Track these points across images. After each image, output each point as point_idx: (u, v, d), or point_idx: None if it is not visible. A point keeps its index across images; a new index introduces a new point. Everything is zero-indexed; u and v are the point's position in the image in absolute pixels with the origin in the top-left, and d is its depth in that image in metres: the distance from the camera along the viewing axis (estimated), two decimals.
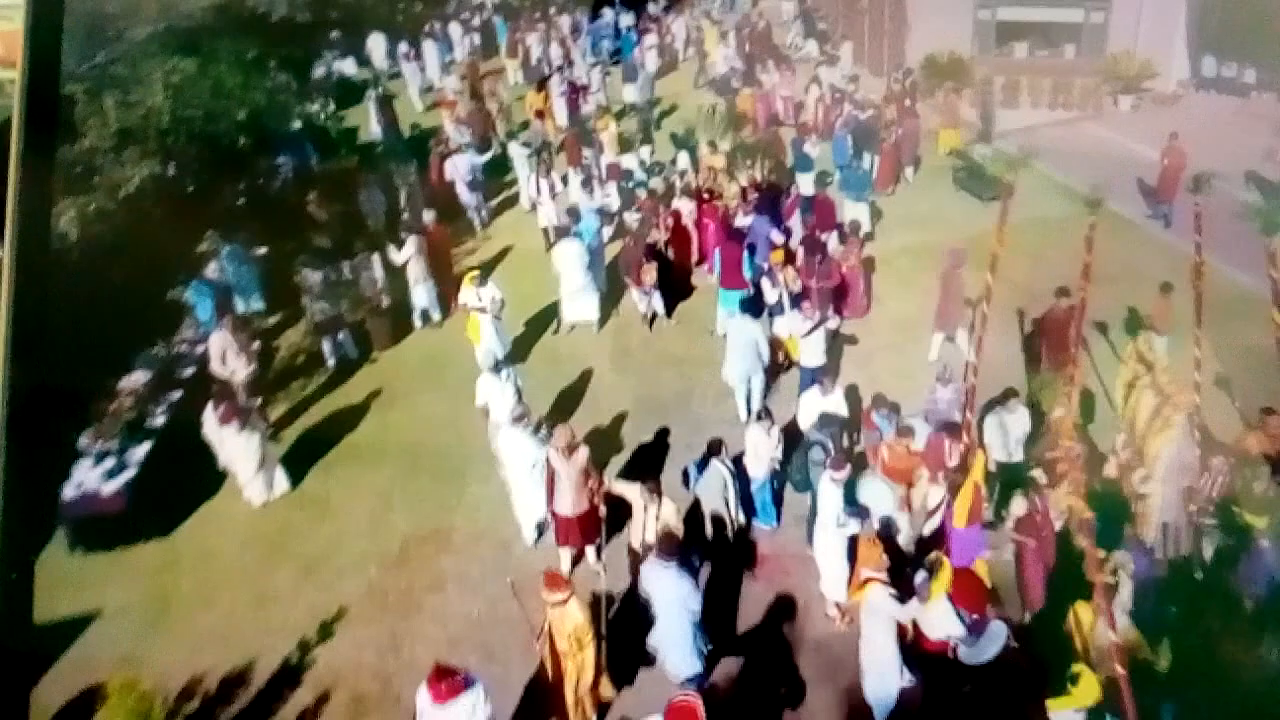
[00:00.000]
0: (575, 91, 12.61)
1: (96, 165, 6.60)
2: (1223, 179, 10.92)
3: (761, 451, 7.04)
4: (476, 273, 8.63)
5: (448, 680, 4.96)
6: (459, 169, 10.69)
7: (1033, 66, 14.78)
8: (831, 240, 9.76)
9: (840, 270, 9.17)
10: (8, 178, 4.74)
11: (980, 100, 14.56)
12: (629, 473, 7.69)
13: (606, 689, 5.84)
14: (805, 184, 11.22)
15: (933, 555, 5.91)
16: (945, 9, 14.53)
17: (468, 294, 8.58)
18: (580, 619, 5.43)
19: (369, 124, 12.35)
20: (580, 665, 5.55)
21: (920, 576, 5.89)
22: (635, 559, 6.39)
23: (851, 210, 10.66)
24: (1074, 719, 5.41)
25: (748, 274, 9.07)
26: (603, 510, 6.66)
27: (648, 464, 7.98)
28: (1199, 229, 7.22)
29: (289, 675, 6.45)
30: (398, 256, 9.58)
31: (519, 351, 9.34)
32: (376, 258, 9.61)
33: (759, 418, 7.20)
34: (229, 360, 7.97)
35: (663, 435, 8.36)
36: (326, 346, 9.36)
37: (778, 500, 7.44)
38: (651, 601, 5.85)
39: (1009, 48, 14.82)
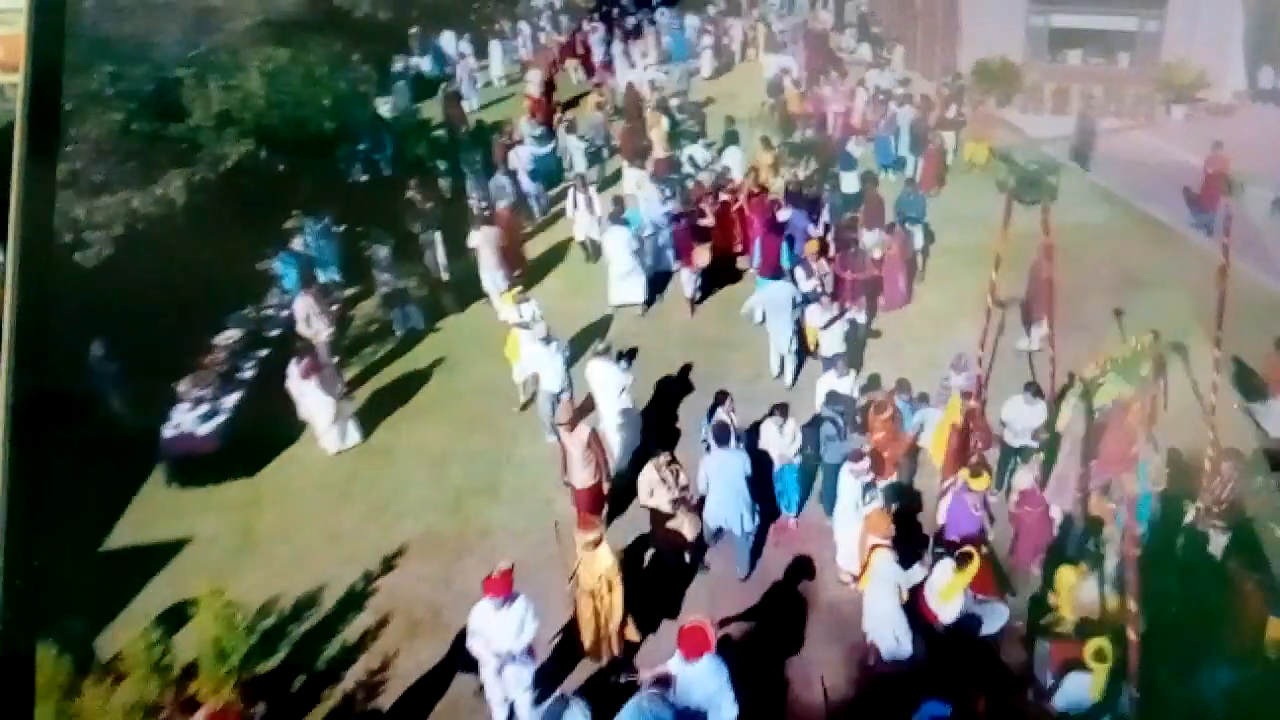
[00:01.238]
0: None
1: (200, 141, 7.40)
2: (1264, 185, 11.08)
3: (770, 445, 7.36)
4: (519, 289, 8.99)
5: (505, 577, 5.60)
6: (521, 159, 11.39)
7: (1084, 73, 14.90)
8: (868, 236, 10.19)
9: (875, 264, 9.61)
10: (10, 182, 4.68)
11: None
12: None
13: (632, 631, 6.47)
14: (849, 182, 11.68)
15: (966, 549, 6.31)
16: (998, 15, 14.72)
17: (509, 311, 8.77)
18: (610, 561, 6.06)
19: (439, 117, 13.14)
20: (610, 607, 6.17)
21: (946, 566, 6.35)
22: (654, 514, 7.02)
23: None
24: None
25: (785, 264, 9.58)
26: (606, 485, 7.23)
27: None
28: (1227, 231, 7.49)
29: (354, 601, 7.24)
30: (470, 240, 10.19)
31: (568, 333, 9.89)
32: (438, 236, 10.32)
33: (770, 414, 7.48)
34: (312, 322, 8.82)
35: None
36: (395, 316, 10.09)
37: (804, 491, 7.79)
38: (711, 483, 6.84)
39: (1062, 55, 14.98)
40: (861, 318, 9.73)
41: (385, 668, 6.73)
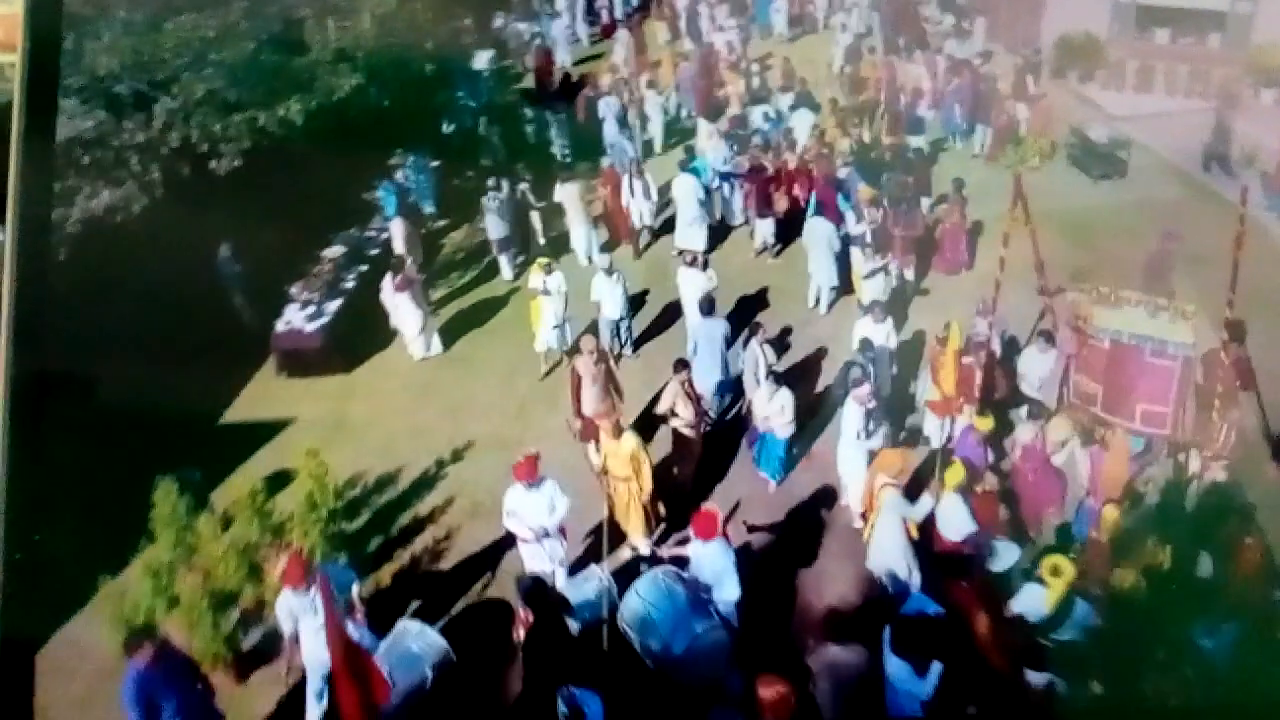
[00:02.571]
0: None
1: (317, 74, 8.18)
2: None
3: (756, 410, 7.58)
4: (547, 261, 9.04)
5: (531, 462, 6.29)
6: (610, 108, 11.87)
7: (1170, 52, 14.44)
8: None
9: (923, 221, 9.84)
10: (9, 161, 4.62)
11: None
12: None
13: (660, 508, 7.12)
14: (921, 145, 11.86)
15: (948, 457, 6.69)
16: None
17: (535, 279, 8.96)
18: (634, 442, 6.68)
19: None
20: (641, 484, 6.79)
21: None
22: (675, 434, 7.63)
23: None
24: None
25: (841, 209, 9.89)
26: (618, 414, 7.58)
27: None
28: (1244, 201, 7.49)
29: (426, 482, 8.11)
30: (555, 194, 10.51)
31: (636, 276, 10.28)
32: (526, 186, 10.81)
33: (761, 381, 7.60)
34: (405, 244, 9.66)
35: None
36: (504, 260, 10.59)
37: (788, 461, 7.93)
38: (699, 347, 7.70)
39: (1149, 33, 14.53)
40: (910, 274, 10.01)
41: (448, 538, 7.60)
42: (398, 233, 9.52)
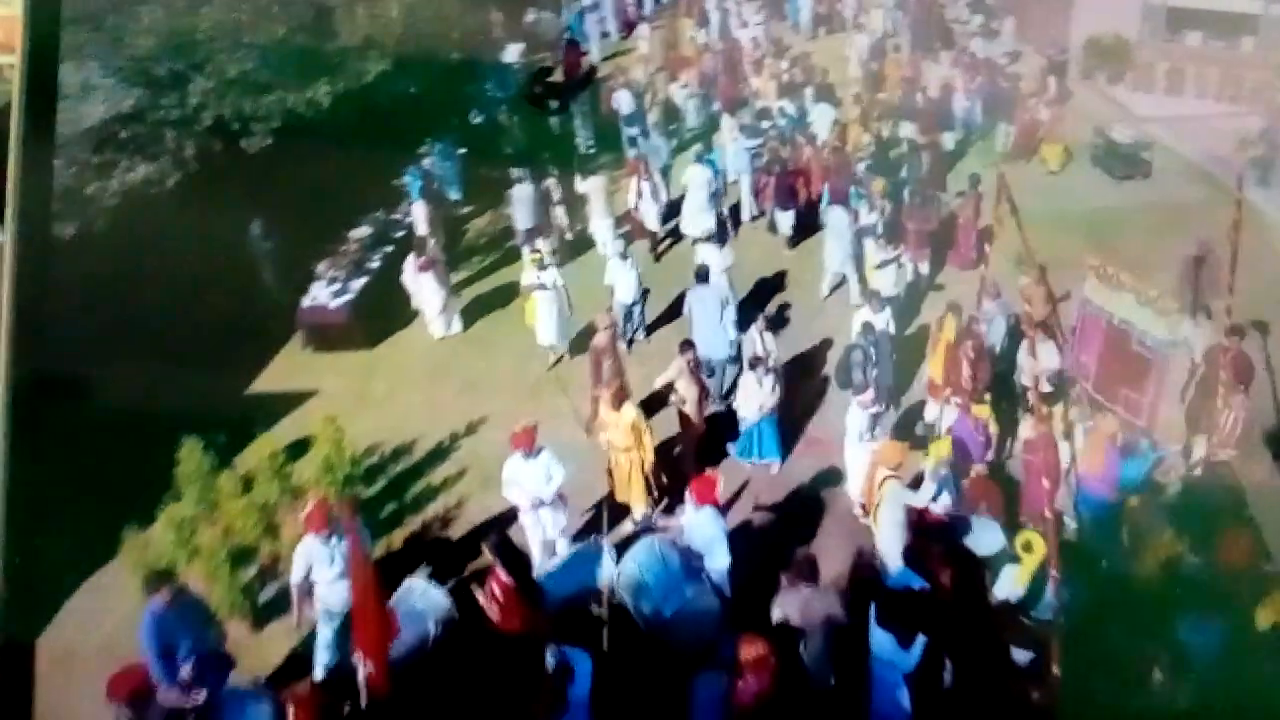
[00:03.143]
0: None
1: (346, 60, 8.44)
2: None
3: (751, 396, 7.56)
4: (539, 255, 9.11)
5: (528, 432, 6.46)
6: (621, 102, 12.01)
7: (1200, 55, 14.22)
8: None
9: (937, 216, 9.84)
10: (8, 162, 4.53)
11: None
12: None
13: (663, 478, 7.25)
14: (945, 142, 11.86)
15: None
16: None
17: (529, 274, 9.03)
18: (633, 413, 6.81)
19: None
20: (642, 455, 6.93)
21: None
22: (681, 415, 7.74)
23: None
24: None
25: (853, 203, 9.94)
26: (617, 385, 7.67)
27: None
28: (1240, 186, 7.43)
29: (440, 454, 8.33)
30: (578, 185, 10.62)
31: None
32: (552, 182, 10.98)
33: (752, 366, 7.55)
34: (428, 225, 9.91)
35: None
36: (526, 254, 10.13)
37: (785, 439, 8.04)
38: (694, 313, 7.95)
39: (1180, 35, 14.32)
40: (925, 268, 10.02)
41: (458, 506, 7.81)
42: (420, 216, 9.78)
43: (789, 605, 5.40)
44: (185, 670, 5.43)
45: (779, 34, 14.75)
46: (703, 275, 8.26)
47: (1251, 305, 8.64)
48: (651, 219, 10.58)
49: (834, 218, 9.58)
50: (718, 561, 5.88)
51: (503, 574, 5.67)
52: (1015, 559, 5.78)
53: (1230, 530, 6.31)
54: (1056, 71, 13.56)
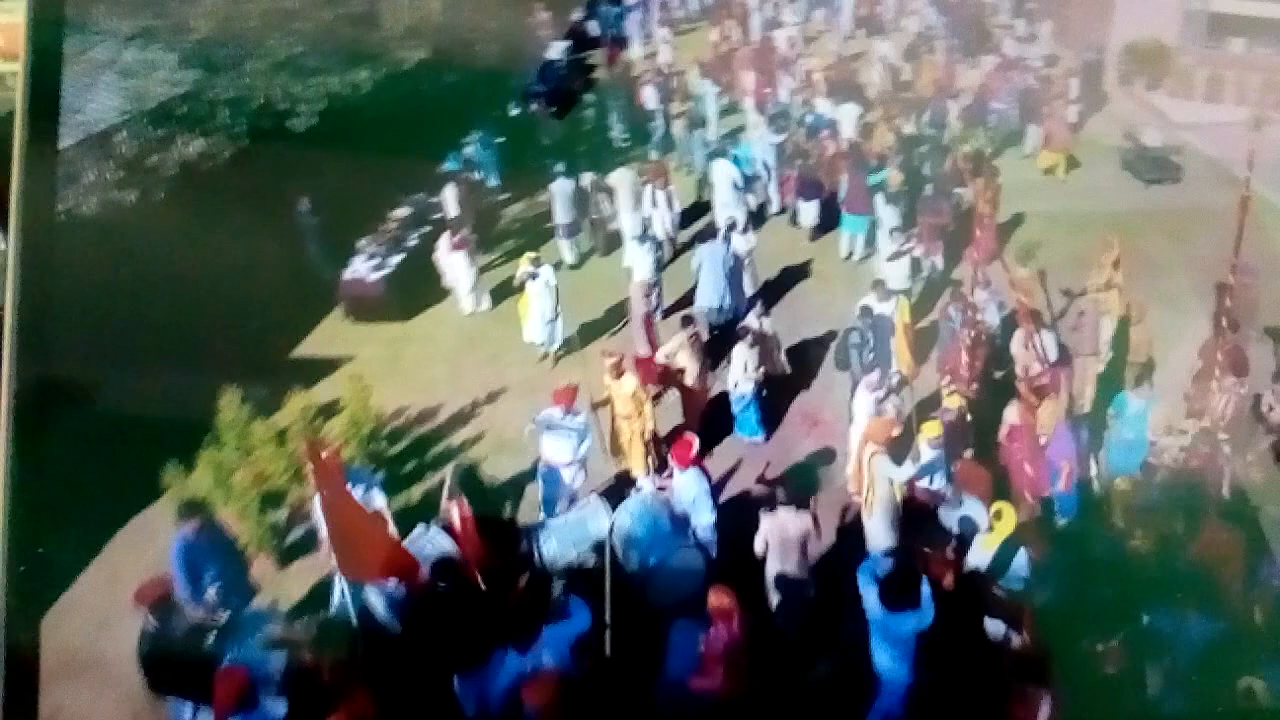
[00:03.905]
0: None
1: (388, 48, 8.87)
2: None
3: (733, 373, 7.75)
4: (536, 255, 9.33)
5: (569, 390, 6.78)
6: (648, 99, 12.22)
7: (1242, 62, 13.83)
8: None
9: (950, 210, 9.87)
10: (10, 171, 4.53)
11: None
12: None
13: (662, 448, 7.50)
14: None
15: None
16: None
17: (524, 270, 9.22)
18: (634, 383, 7.10)
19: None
20: (642, 424, 7.20)
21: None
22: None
23: None
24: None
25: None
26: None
27: None
28: (1250, 164, 7.34)
29: (461, 418, 8.73)
30: (610, 178, 10.82)
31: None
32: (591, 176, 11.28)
33: (749, 341, 7.75)
34: (458, 207, 10.31)
35: None
36: (566, 245, 10.88)
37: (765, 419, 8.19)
38: (702, 267, 8.27)
39: (1223, 42, 13.95)
40: (939, 262, 10.05)
41: (474, 467, 8.16)
42: (450, 199, 10.19)
43: (767, 530, 5.69)
44: (210, 594, 5.89)
45: (816, 33, 14.80)
46: (713, 233, 8.44)
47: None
48: (663, 227, 10.37)
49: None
50: (701, 519, 6.14)
51: (465, 504, 6.01)
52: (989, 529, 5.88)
53: (1212, 527, 6.29)
54: (1091, 75, 13.33)
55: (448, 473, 6.52)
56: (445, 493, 6.67)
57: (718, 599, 5.06)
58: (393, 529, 6.62)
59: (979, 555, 5.97)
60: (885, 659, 5.58)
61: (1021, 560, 5.92)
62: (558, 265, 10.47)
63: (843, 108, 12.10)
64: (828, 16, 15.12)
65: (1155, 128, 12.83)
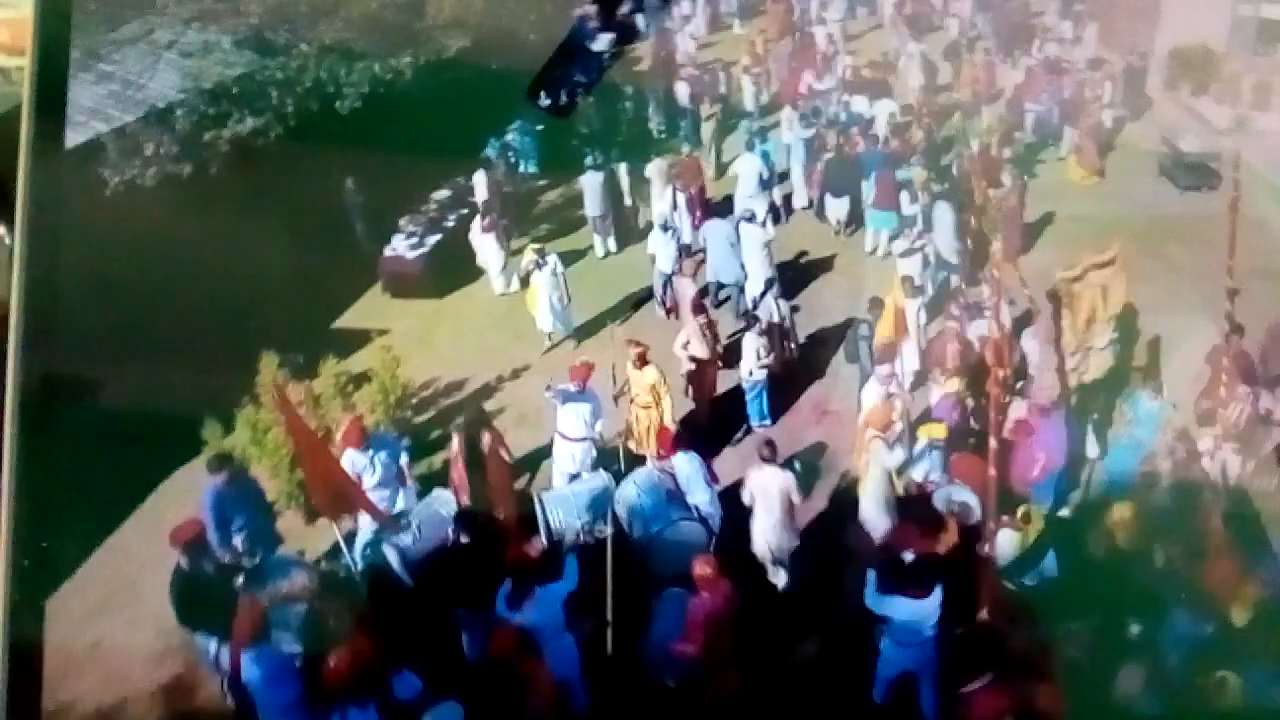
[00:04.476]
0: None
1: (431, 35, 9.11)
2: None
3: (762, 356, 7.91)
4: (540, 246, 9.52)
5: (585, 367, 7.00)
6: (682, 93, 12.26)
7: None
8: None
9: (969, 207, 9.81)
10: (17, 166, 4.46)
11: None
12: None
13: None
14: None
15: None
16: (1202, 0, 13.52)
17: (528, 259, 9.47)
18: (655, 374, 7.26)
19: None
20: (660, 413, 7.38)
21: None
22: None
23: None
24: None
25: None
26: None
27: None
28: (1236, 165, 7.21)
29: (485, 392, 8.97)
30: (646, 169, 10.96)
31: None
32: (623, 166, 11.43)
33: (750, 324, 8.01)
34: (489, 191, 10.55)
35: None
36: (598, 238, 11.11)
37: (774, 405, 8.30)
38: (709, 243, 8.57)
39: (1273, 48, 13.47)
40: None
41: None
42: (481, 183, 10.47)
43: (751, 483, 5.90)
44: (237, 540, 6.24)
45: (858, 31, 14.70)
46: (717, 211, 8.55)
47: None
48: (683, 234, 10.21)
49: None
50: (697, 497, 6.29)
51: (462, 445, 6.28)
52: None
53: (1214, 557, 6.21)
54: (1133, 79, 13.03)
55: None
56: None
57: (701, 568, 5.24)
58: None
59: (1006, 549, 6.01)
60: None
61: (1050, 561, 5.95)
62: (582, 254, 10.77)
63: (877, 104, 12.06)
64: (868, 14, 15.03)
65: (1195, 134, 12.47)
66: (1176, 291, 8.83)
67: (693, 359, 7.87)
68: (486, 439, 7.11)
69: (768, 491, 6.25)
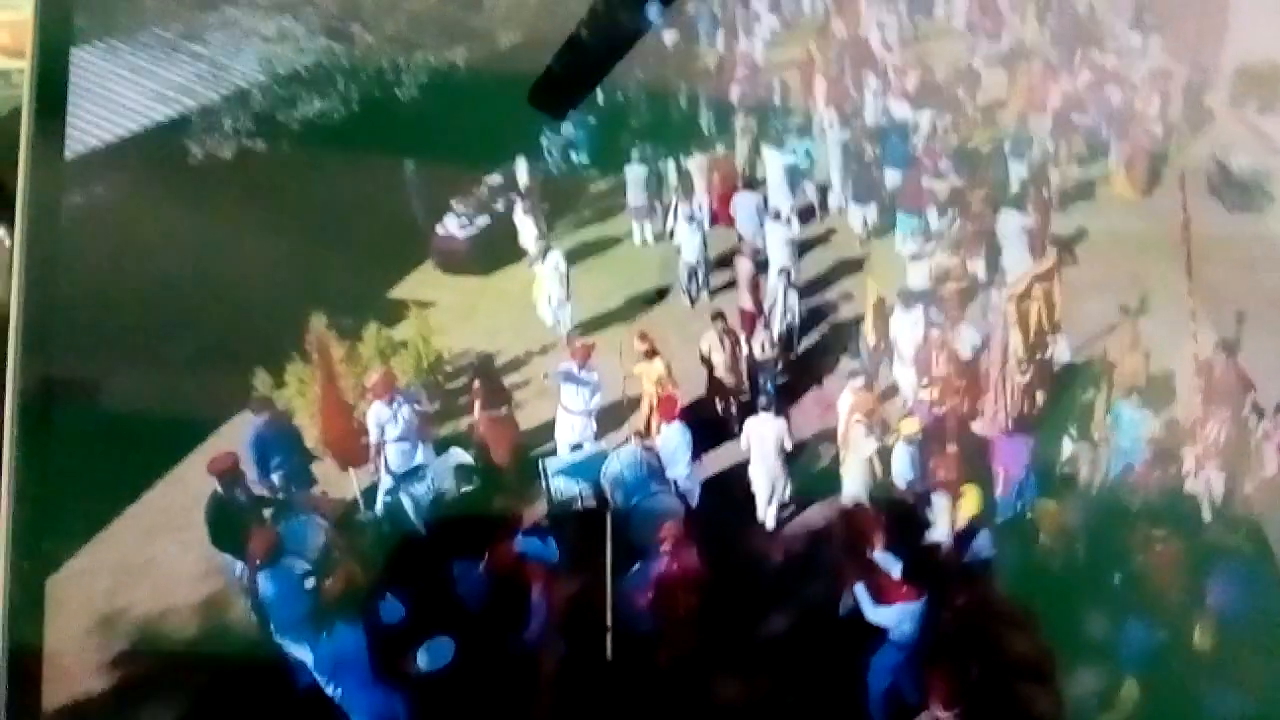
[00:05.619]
0: None
1: (488, 28, 9.53)
2: None
3: (766, 349, 8.21)
4: (545, 239, 9.80)
5: (586, 348, 7.36)
6: (734, 94, 12.34)
7: None
8: None
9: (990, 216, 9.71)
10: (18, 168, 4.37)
11: None
12: None
13: None
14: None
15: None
16: (1272, 16, 12.78)
17: (533, 250, 9.77)
18: (662, 368, 7.54)
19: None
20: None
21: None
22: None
23: None
24: None
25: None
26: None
27: None
28: (1182, 186, 6.98)
29: (514, 364, 9.42)
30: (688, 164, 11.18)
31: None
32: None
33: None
34: (529, 177, 10.94)
35: None
36: (636, 228, 11.39)
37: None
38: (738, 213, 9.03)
39: None
40: (979, 269, 9.87)
41: (516, 407, 8.91)
42: (522, 169, 10.89)
43: (748, 431, 6.25)
44: (274, 478, 6.85)
45: (911, 37, 14.48)
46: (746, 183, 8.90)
47: None
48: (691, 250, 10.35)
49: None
50: (677, 470, 6.57)
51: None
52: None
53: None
54: (1193, 94, 12.49)
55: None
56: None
57: (666, 530, 5.54)
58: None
59: (940, 531, 6.12)
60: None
61: (984, 541, 6.04)
62: (618, 241, 11.10)
63: (920, 112, 11.92)
64: (925, 19, 14.76)
65: (1249, 153, 11.86)
66: (1188, 310, 8.56)
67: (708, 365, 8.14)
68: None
69: (764, 437, 6.66)
